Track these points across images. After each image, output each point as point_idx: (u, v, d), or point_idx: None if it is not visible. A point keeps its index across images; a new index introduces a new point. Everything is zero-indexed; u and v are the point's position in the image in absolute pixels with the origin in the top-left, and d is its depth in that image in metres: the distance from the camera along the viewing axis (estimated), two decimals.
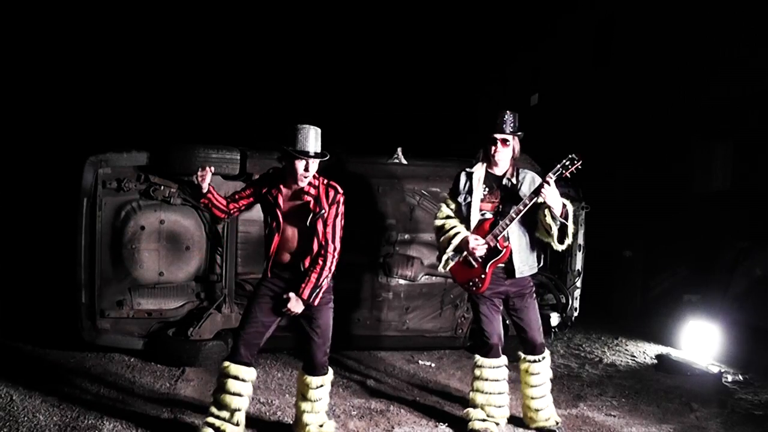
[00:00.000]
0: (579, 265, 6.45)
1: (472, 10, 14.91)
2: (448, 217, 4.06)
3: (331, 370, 3.82)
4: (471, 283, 3.96)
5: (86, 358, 5.22)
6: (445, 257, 3.98)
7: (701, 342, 6.38)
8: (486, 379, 4.01)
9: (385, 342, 5.87)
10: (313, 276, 3.56)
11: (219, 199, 3.75)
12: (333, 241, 3.60)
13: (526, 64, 14.16)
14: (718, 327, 6.30)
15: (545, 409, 4.13)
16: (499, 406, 4.05)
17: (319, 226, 3.58)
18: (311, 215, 3.58)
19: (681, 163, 8.41)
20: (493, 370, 4.02)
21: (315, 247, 3.58)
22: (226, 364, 3.63)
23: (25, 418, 3.88)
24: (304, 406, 3.75)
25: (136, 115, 12.60)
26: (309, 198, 3.60)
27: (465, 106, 16.25)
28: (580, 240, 6.45)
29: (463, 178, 4.05)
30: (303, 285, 3.55)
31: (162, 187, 5.37)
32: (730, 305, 6.50)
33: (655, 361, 6.08)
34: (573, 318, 6.44)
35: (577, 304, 6.47)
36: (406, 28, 16.07)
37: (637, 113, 9.47)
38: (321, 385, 3.75)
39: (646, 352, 6.57)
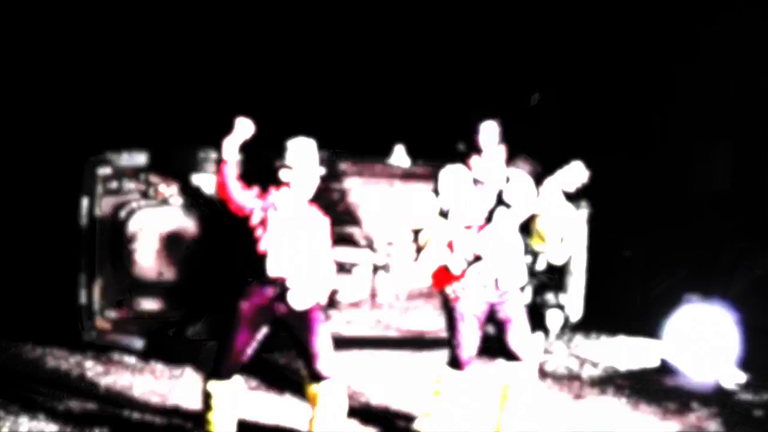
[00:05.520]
0: (579, 265, 6.44)
1: (474, 13, 14.90)
2: (427, 215, 3.67)
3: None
4: (452, 290, 3.60)
5: (86, 358, 5.22)
6: (422, 256, 3.64)
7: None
8: (445, 392, 3.66)
9: (385, 342, 5.87)
10: None
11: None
12: None
13: (527, 61, 14.10)
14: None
15: None
16: (452, 418, 3.71)
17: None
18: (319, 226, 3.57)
19: (681, 163, 8.40)
20: (456, 384, 3.68)
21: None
22: (215, 389, 3.38)
23: (25, 418, 3.88)
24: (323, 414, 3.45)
25: (136, 115, 12.58)
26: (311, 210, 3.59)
27: (465, 107, 16.22)
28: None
29: (448, 176, 3.70)
30: None
31: (162, 187, 5.37)
32: (730, 305, 6.49)
33: (655, 362, 6.08)
34: (573, 318, 6.43)
35: (577, 303, 6.46)
36: (413, 30, 16.05)
37: (637, 113, 9.45)
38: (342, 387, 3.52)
39: (646, 352, 6.56)
